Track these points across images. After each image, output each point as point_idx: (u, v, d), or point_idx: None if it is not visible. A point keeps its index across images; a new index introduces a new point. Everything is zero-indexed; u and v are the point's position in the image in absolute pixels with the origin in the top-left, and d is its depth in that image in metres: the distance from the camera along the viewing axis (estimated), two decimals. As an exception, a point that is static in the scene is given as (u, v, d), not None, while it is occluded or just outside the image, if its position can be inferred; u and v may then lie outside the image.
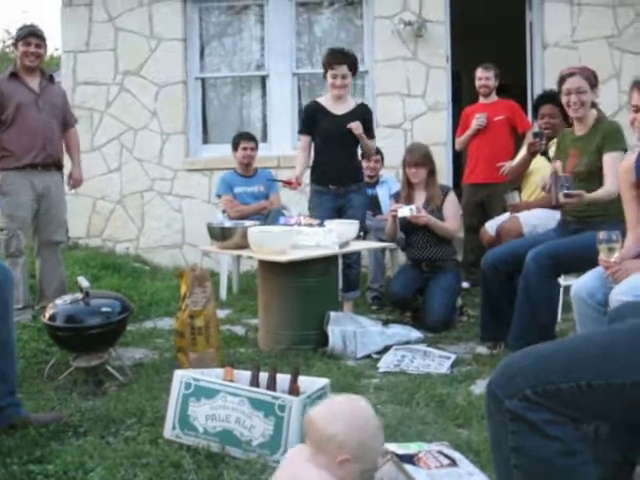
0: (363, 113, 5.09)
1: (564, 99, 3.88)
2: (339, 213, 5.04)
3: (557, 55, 6.67)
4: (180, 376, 2.75)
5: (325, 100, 5.10)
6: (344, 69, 4.94)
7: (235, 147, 6.11)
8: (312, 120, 5.04)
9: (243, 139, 6.11)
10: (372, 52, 7.11)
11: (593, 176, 3.80)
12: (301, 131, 5.23)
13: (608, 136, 3.81)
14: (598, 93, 3.91)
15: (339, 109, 5.02)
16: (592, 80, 3.85)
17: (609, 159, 3.76)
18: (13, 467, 2.50)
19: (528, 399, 1.50)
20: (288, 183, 5.05)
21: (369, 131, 5.10)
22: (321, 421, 1.78)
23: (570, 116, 3.99)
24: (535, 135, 4.92)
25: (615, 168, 3.66)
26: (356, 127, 4.89)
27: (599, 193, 3.74)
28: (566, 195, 3.63)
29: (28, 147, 4.72)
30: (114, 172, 7.48)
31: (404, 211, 4.75)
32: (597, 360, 1.50)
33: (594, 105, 3.94)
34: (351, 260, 5.03)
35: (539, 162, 4.89)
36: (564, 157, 4.00)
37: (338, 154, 4.97)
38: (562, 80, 3.88)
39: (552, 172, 3.79)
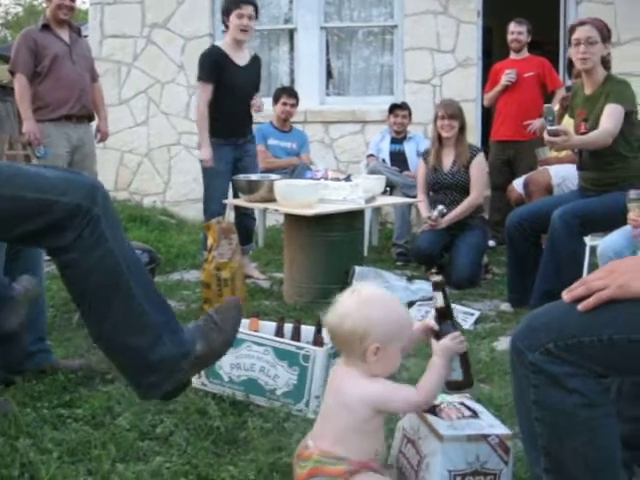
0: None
1: (573, 50, 3.68)
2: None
3: (591, 11, 6.46)
4: (206, 326, 2.78)
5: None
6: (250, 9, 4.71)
7: (276, 100, 6.08)
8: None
9: (285, 94, 6.07)
10: (402, 6, 6.99)
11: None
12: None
13: (612, 92, 3.62)
14: (609, 48, 3.71)
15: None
16: (604, 32, 3.65)
17: (607, 108, 3.57)
18: (43, 410, 2.55)
19: (550, 352, 1.51)
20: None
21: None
22: (335, 324, 1.76)
23: (577, 68, 3.81)
24: (568, 89, 4.85)
25: (614, 115, 3.50)
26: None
27: (591, 135, 3.57)
28: (550, 133, 3.41)
29: (64, 99, 4.75)
30: (141, 125, 7.50)
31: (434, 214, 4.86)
32: (619, 315, 1.50)
33: (605, 62, 3.74)
34: (248, 209, 4.97)
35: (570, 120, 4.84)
36: (574, 116, 3.91)
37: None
38: (572, 30, 3.69)
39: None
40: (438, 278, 1.87)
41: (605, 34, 3.66)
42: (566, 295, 1.55)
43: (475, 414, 1.95)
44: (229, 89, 4.72)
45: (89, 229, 1.89)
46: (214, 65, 4.71)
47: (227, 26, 4.77)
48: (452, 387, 1.90)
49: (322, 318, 1.83)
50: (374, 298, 1.78)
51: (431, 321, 1.90)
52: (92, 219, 1.89)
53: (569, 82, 5.59)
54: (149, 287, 2.02)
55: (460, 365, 1.87)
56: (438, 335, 1.85)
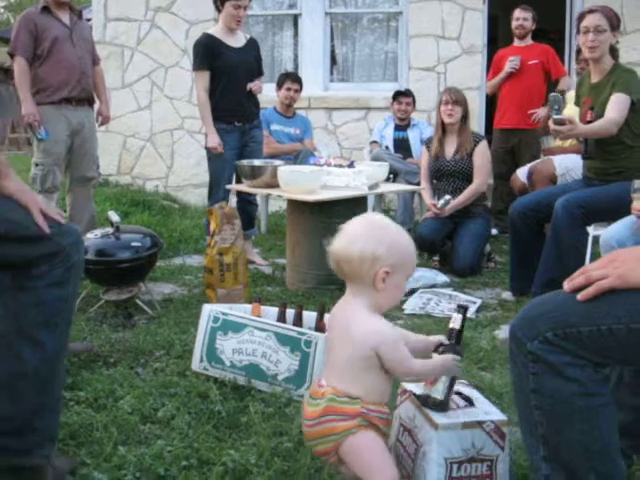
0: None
1: (581, 38, 3.68)
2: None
3: (598, 0, 6.46)
4: (208, 310, 2.80)
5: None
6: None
7: (279, 86, 6.05)
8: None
9: (289, 79, 6.04)
10: (407, -8, 6.96)
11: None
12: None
13: (619, 82, 3.62)
14: (618, 36, 3.72)
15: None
16: (614, 21, 3.65)
17: (614, 97, 3.58)
18: (46, 393, 2.57)
19: (549, 341, 1.51)
20: None
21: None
22: (344, 248, 1.74)
23: (585, 57, 3.81)
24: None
25: (620, 104, 3.50)
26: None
27: (596, 124, 3.57)
28: (556, 122, 3.44)
29: (64, 81, 4.71)
30: (144, 110, 7.48)
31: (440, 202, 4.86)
32: (618, 305, 1.50)
33: (613, 51, 3.74)
34: (250, 195, 4.96)
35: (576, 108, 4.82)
36: (580, 104, 3.90)
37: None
38: (581, 17, 3.69)
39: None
40: (465, 304, 1.93)
41: (614, 22, 3.65)
42: (566, 284, 1.56)
43: (470, 403, 1.95)
44: (226, 71, 4.74)
45: (61, 270, 1.91)
46: (207, 52, 4.74)
47: (219, 11, 4.82)
48: (429, 404, 1.88)
49: (326, 245, 1.79)
50: (384, 224, 1.78)
51: (441, 338, 1.92)
52: (69, 264, 1.92)
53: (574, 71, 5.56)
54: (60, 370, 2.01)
55: (446, 386, 1.87)
56: (443, 351, 1.86)
